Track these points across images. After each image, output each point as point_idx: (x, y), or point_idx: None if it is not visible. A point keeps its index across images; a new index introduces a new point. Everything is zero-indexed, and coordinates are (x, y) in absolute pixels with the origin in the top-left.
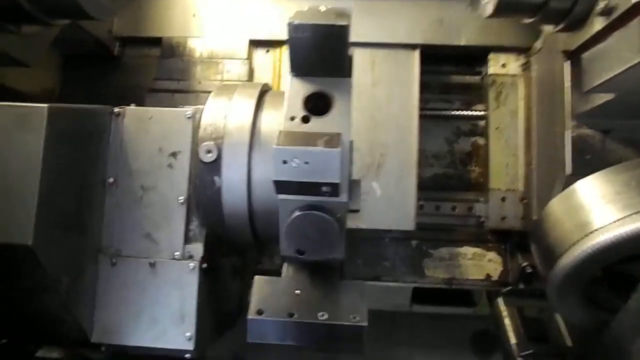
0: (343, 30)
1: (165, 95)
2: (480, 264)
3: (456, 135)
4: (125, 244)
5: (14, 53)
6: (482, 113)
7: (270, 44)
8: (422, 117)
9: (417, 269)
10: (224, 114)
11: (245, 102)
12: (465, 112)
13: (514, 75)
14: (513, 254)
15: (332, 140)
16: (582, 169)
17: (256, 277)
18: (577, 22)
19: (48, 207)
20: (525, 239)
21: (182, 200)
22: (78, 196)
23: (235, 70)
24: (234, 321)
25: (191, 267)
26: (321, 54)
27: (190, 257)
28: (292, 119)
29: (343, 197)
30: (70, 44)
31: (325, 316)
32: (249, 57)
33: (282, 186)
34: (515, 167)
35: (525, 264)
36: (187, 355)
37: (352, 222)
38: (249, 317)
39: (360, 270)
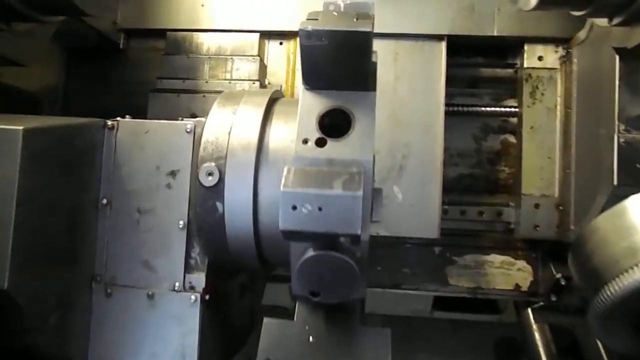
0: (365, 37)
1: (170, 96)
2: (508, 272)
3: (484, 132)
4: (121, 272)
5: (9, 54)
6: (513, 109)
7: (283, 35)
8: (448, 113)
9: (439, 277)
10: (227, 128)
11: (251, 115)
12: (494, 108)
13: (552, 69)
14: (545, 263)
15: (353, 180)
16: (631, 179)
17: (265, 319)
18: (637, 16)
19: (27, 241)
20: (559, 248)
21: (182, 225)
22: (66, 222)
23: (245, 67)
24: (245, 338)
25: (192, 300)
26: (340, 64)
27: (192, 289)
28: (305, 141)
29: (364, 236)
30: (72, 38)
31: None
32: (260, 53)
33: (291, 235)
34: (550, 170)
35: (558, 275)
36: None
37: (373, 230)
38: None
39: (379, 276)
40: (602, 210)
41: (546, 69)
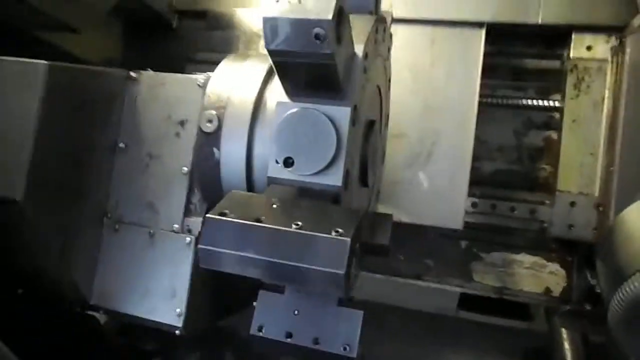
0: None
1: (205, 68)
2: (539, 275)
3: (527, 127)
4: (129, 211)
5: (63, 16)
6: (556, 104)
7: None
8: (489, 105)
9: (464, 273)
10: (230, 83)
11: (254, 72)
12: (539, 102)
13: (601, 60)
14: (581, 269)
15: None
16: None
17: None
18: None
19: (42, 166)
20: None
21: (185, 171)
22: (80, 159)
23: None
24: (244, 302)
25: (187, 242)
26: None
27: (189, 231)
28: None
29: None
30: (129, 14)
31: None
32: None
33: None
34: (591, 167)
35: (594, 282)
36: (177, 332)
37: (395, 216)
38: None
39: (401, 266)
40: None
41: (595, 60)
